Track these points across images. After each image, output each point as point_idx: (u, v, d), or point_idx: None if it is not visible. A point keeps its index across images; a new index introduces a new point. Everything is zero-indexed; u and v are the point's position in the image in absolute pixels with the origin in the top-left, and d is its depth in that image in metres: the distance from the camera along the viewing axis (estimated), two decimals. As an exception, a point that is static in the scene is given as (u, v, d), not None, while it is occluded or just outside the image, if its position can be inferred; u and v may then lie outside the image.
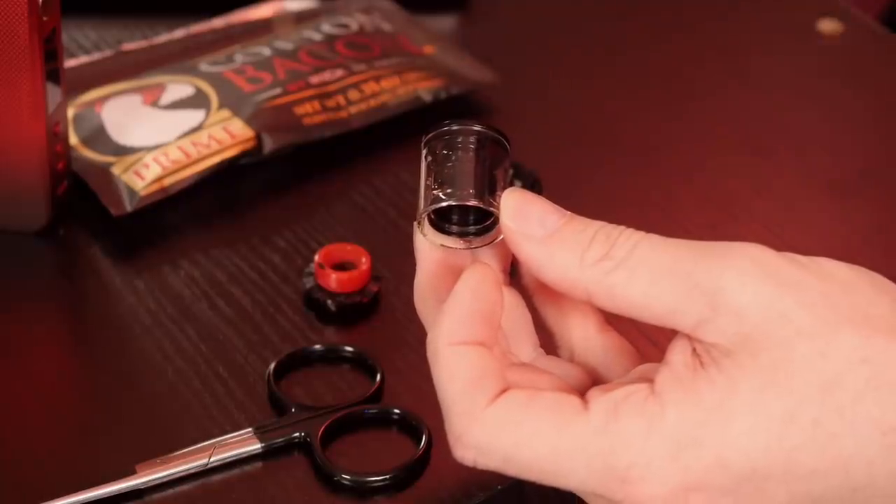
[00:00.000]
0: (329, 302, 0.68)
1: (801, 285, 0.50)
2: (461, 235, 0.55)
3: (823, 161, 0.81)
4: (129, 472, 0.60)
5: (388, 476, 0.61)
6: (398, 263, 0.70)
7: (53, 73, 0.70)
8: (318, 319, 0.68)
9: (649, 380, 0.51)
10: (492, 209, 0.54)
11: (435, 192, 0.54)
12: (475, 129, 0.56)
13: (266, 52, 0.81)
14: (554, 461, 0.50)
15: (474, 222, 0.55)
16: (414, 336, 0.67)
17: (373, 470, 0.61)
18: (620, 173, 0.80)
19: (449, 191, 0.54)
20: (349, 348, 0.66)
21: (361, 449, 0.62)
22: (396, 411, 0.63)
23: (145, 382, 0.65)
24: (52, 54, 0.70)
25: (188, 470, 0.61)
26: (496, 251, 0.55)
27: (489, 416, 0.50)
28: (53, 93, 0.71)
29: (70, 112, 0.75)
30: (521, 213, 0.53)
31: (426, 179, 0.55)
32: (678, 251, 0.51)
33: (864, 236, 0.77)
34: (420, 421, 0.62)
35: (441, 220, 0.55)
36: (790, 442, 0.49)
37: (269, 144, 0.76)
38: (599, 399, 0.50)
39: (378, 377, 0.65)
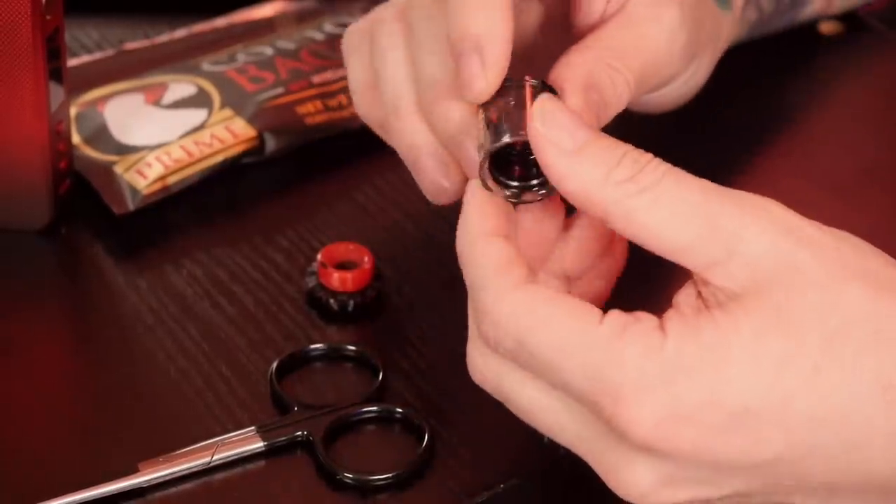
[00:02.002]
0: (331, 301, 0.68)
1: (817, 242, 0.51)
2: (519, 190, 0.57)
3: (824, 161, 0.81)
4: (131, 470, 0.60)
5: (390, 475, 0.61)
6: (400, 262, 0.71)
7: (56, 72, 0.70)
8: (320, 318, 0.69)
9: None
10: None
11: (494, 137, 0.56)
12: (528, 81, 0.58)
13: (268, 51, 0.81)
14: (557, 354, 0.51)
15: (537, 175, 0.56)
16: (416, 335, 0.67)
17: (375, 469, 0.61)
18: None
19: (507, 132, 0.56)
20: (351, 347, 0.66)
21: (364, 448, 0.62)
22: (399, 410, 0.63)
23: (148, 381, 0.65)
24: (54, 53, 0.70)
25: (191, 468, 0.61)
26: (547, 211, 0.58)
27: (516, 296, 0.52)
28: (56, 91, 0.71)
29: (72, 111, 0.75)
30: (552, 119, 0.54)
31: (484, 133, 0.57)
32: (704, 191, 0.52)
33: (864, 236, 0.77)
34: (422, 420, 0.62)
35: (499, 174, 0.57)
36: (787, 384, 0.50)
37: (271, 144, 0.76)
38: (614, 315, 0.51)
39: (380, 376, 0.65)
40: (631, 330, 0.51)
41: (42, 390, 0.65)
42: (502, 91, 0.57)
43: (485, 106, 0.58)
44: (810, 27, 0.88)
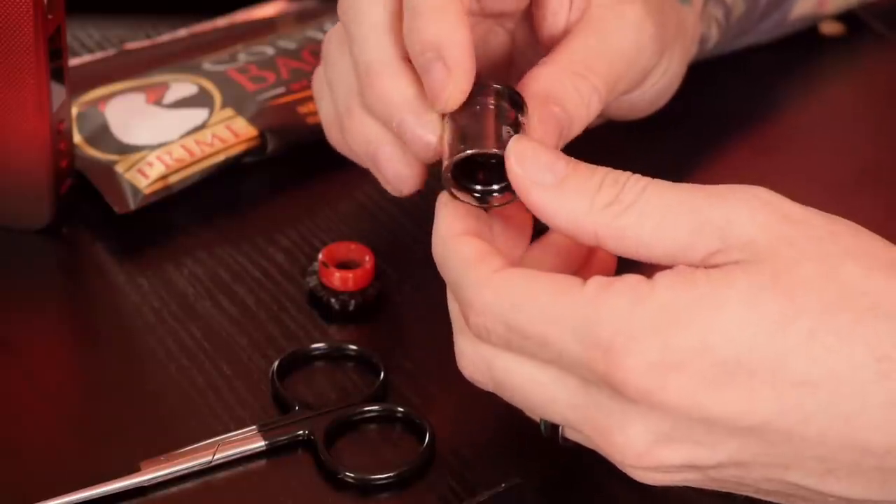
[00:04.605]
0: (332, 300, 0.69)
1: (809, 223, 0.52)
2: (483, 195, 0.57)
3: (823, 161, 0.81)
4: (133, 469, 0.60)
5: (391, 474, 0.61)
6: (402, 262, 0.71)
7: (58, 72, 0.70)
8: (321, 318, 0.69)
9: None
10: (498, 152, 0.55)
11: (458, 146, 0.56)
12: (493, 87, 0.58)
13: (269, 51, 0.81)
14: (546, 325, 0.52)
15: (498, 180, 0.57)
16: (417, 334, 0.67)
17: (376, 468, 0.61)
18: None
19: (468, 144, 0.56)
20: (352, 347, 0.66)
21: (365, 447, 0.63)
22: (400, 410, 0.63)
23: (149, 380, 0.65)
24: (56, 52, 0.70)
25: (192, 467, 0.61)
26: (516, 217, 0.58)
27: (496, 279, 0.53)
28: (57, 91, 0.71)
29: (74, 111, 0.75)
30: (528, 159, 0.55)
31: (448, 139, 0.57)
32: (687, 192, 0.53)
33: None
34: (424, 419, 0.62)
35: (465, 180, 0.57)
36: (782, 344, 0.50)
37: (272, 143, 0.76)
38: (596, 277, 0.52)
39: (381, 375, 0.65)
40: (616, 285, 0.51)
41: (43, 390, 0.65)
42: (468, 98, 0.58)
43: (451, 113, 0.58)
44: (811, 27, 0.88)
